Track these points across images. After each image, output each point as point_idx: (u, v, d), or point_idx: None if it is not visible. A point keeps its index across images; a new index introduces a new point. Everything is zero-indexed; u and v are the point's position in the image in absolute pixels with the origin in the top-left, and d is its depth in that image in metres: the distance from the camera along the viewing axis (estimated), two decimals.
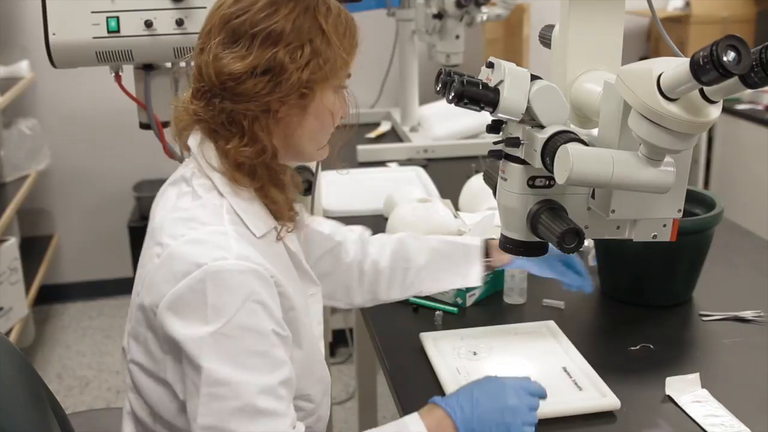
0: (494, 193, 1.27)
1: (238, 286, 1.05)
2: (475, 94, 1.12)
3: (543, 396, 1.21)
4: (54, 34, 1.72)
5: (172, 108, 1.19)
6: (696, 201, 1.66)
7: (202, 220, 1.11)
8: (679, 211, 1.18)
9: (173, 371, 1.10)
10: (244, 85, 1.08)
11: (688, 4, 3.86)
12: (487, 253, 1.51)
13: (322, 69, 1.11)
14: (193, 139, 1.17)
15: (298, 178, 1.22)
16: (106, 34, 1.74)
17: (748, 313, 1.58)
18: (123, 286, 3.81)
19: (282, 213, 1.17)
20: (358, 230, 1.53)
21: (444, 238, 1.53)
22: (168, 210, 1.16)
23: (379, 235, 1.54)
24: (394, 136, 3.02)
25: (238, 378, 1.04)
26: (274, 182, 1.15)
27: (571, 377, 1.35)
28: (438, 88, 1.16)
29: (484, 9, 2.61)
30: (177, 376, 1.10)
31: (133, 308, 1.16)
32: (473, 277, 1.50)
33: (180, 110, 1.17)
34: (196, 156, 1.16)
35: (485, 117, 1.16)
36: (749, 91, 1.02)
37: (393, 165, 2.61)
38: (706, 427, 1.22)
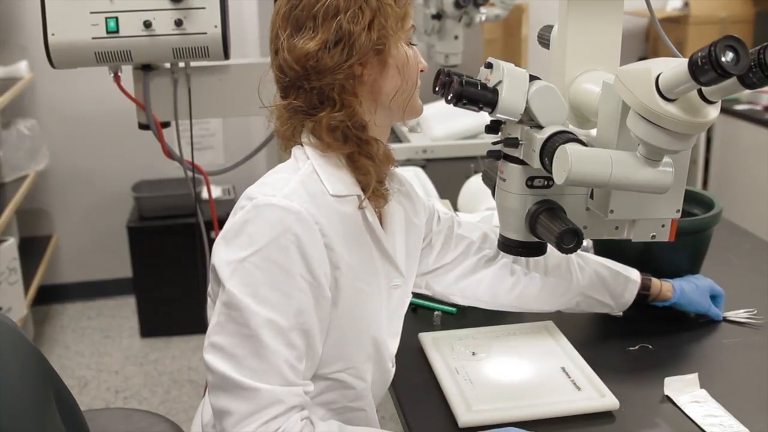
0: (493, 194, 1.27)
1: (276, 221, 1.10)
2: (474, 95, 1.12)
3: None
4: (53, 34, 1.73)
5: (273, 121, 1.24)
6: (694, 201, 1.67)
7: (277, 170, 1.20)
8: (678, 211, 1.18)
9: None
10: (323, 60, 1.14)
11: (686, 5, 3.86)
12: (644, 287, 1.52)
13: (387, 24, 1.15)
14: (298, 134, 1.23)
15: (390, 152, 1.24)
16: (105, 35, 1.74)
17: (740, 313, 1.57)
18: (122, 287, 3.81)
19: (369, 185, 1.20)
20: None
21: (606, 263, 1.53)
22: None
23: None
24: (393, 136, 3.00)
25: (252, 307, 1.08)
26: (363, 152, 1.20)
27: (569, 377, 1.35)
28: (437, 89, 1.16)
29: (482, 9, 2.62)
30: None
31: None
32: (619, 308, 1.53)
33: (278, 119, 1.23)
34: (303, 141, 1.22)
35: (484, 117, 1.16)
36: (748, 91, 1.02)
37: None
38: (704, 427, 1.22)
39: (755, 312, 1.57)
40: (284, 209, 1.10)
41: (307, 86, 1.16)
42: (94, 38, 1.74)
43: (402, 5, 1.19)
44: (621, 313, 1.55)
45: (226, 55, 1.85)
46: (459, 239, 1.48)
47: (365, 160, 1.20)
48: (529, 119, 1.15)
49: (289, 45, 1.17)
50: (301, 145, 1.22)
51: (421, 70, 1.23)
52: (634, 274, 1.52)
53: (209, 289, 1.23)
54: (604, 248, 1.67)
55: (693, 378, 1.33)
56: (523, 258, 1.48)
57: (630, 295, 1.52)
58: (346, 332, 1.19)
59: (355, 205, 1.20)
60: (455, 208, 2.09)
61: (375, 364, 1.25)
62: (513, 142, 1.16)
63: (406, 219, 1.34)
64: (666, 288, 1.54)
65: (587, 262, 1.51)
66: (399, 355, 1.46)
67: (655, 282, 1.53)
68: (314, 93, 1.17)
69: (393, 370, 1.32)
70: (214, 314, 1.12)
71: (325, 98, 1.17)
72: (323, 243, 1.13)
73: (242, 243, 1.10)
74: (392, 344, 1.30)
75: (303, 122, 1.21)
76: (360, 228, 1.21)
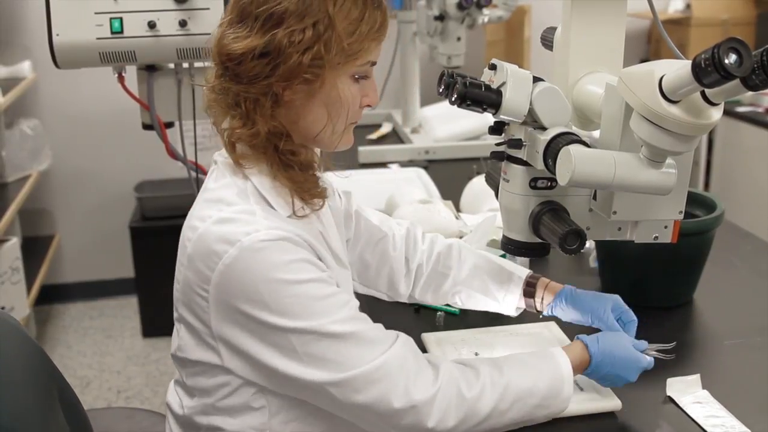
0: (496, 195, 1.28)
1: (277, 253, 1.06)
2: (478, 96, 1.12)
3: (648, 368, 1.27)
4: (57, 34, 1.73)
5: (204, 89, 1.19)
6: (697, 203, 1.67)
7: (228, 200, 1.12)
8: (680, 212, 1.19)
9: (228, 353, 1.12)
10: (242, 66, 1.08)
11: (688, 7, 3.86)
12: (529, 284, 1.43)
13: (326, 56, 1.07)
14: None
15: (312, 156, 1.19)
16: (109, 35, 1.75)
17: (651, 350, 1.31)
18: (124, 287, 3.82)
19: (303, 192, 1.16)
20: (405, 225, 1.52)
21: (492, 258, 1.48)
22: (201, 191, 1.19)
23: (431, 235, 1.53)
24: (395, 137, 3.03)
25: (319, 321, 1.07)
26: (283, 162, 1.14)
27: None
28: (441, 90, 1.16)
29: (485, 11, 2.62)
30: (238, 360, 1.12)
31: (176, 298, 1.18)
32: (508, 305, 1.45)
33: (206, 87, 1.17)
34: (222, 135, 1.17)
35: (486, 118, 1.16)
36: (750, 93, 1.02)
37: (394, 166, 2.61)
38: (706, 428, 1.23)
39: (670, 347, 1.33)
40: (276, 241, 1.07)
41: (223, 82, 1.11)
42: (98, 38, 1.74)
43: (356, 41, 1.10)
44: (515, 314, 1.46)
45: None
46: (357, 215, 1.46)
47: (286, 172, 1.14)
48: (533, 120, 1.15)
49: (222, 32, 1.11)
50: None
51: (368, 105, 1.18)
52: (520, 270, 1.45)
53: (179, 315, 1.18)
54: (606, 249, 1.68)
55: (695, 379, 1.33)
56: (399, 246, 1.47)
57: (513, 294, 1.43)
58: None
59: (299, 216, 1.15)
60: (458, 209, 2.09)
61: None
62: (516, 144, 1.17)
63: (330, 205, 1.30)
64: (553, 285, 1.43)
65: (472, 255, 1.47)
66: None
67: (543, 279, 1.44)
68: (230, 92, 1.11)
69: None
70: (283, 358, 1.08)
71: (237, 104, 1.11)
72: (316, 257, 1.13)
73: (259, 289, 1.06)
74: None
75: (221, 113, 1.15)
76: (318, 234, 1.19)
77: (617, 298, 1.36)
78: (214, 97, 1.15)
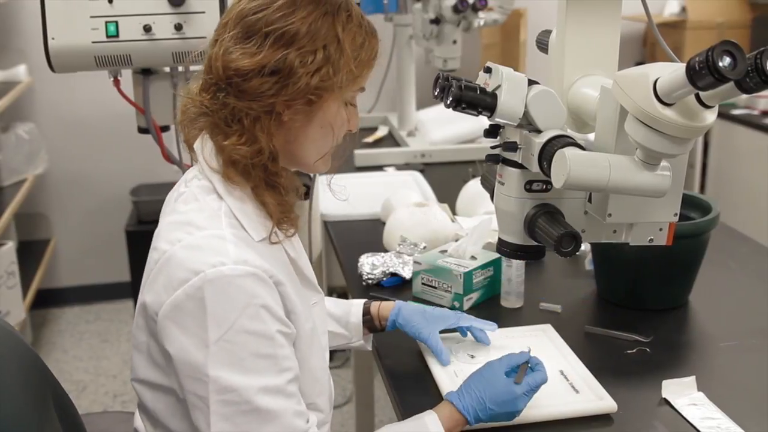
0: (491, 198, 1.28)
1: (238, 292, 1.03)
2: (473, 99, 1.12)
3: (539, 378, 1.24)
4: (53, 38, 1.73)
5: (181, 99, 1.17)
6: (692, 205, 1.67)
7: (198, 224, 1.09)
8: (676, 215, 1.19)
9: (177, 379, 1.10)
10: (250, 82, 1.07)
11: (683, 10, 3.88)
12: (366, 311, 1.48)
13: (333, 78, 1.09)
14: (198, 139, 1.16)
15: (297, 182, 1.19)
16: (105, 39, 1.75)
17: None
18: (120, 291, 3.81)
19: (277, 216, 1.14)
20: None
21: (334, 300, 1.50)
22: (167, 213, 1.16)
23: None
24: (391, 140, 3.03)
25: (244, 382, 1.03)
26: (269, 184, 1.13)
27: (567, 380, 1.36)
28: (436, 93, 1.16)
29: (481, 14, 2.62)
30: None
31: (136, 315, 1.16)
32: (353, 333, 1.49)
33: (187, 101, 1.15)
34: (198, 155, 1.15)
35: (482, 122, 1.17)
36: (745, 96, 1.03)
37: (390, 169, 2.61)
38: (702, 430, 1.23)
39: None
40: (241, 277, 1.04)
41: (223, 97, 1.09)
42: (94, 42, 1.74)
43: (363, 65, 1.13)
44: (362, 341, 1.50)
45: None
46: None
47: (270, 193, 1.13)
48: (528, 123, 1.15)
49: (226, 47, 1.09)
50: (197, 150, 1.15)
51: (350, 130, 1.19)
52: (356, 300, 1.51)
53: (135, 338, 1.17)
54: (601, 252, 1.68)
55: (691, 381, 1.33)
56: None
57: (356, 318, 1.48)
58: (307, 372, 1.17)
59: (273, 242, 1.13)
60: (453, 212, 2.09)
61: (326, 391, 1.24)
62: (511, 146, 1.17)
63: None
64: (385, 307, 1.49)
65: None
66: (399, 359, 1.46)
67: (375, 304, 1.50)
68: (227, 108, 1.09)
69: (331, 382, 1.30)
70: (199, 408, 1.05)
71: (236, 120, 1.09)
72: (279, 293, 1.10)
73: (207, 325, 1.02)
74: (327, 357, 1.29)
75: (209, 131, 1.13)
76: (286, 262, 1.17)
77: (450, 314, 1.46)
78: (196, 112, 1.13)
